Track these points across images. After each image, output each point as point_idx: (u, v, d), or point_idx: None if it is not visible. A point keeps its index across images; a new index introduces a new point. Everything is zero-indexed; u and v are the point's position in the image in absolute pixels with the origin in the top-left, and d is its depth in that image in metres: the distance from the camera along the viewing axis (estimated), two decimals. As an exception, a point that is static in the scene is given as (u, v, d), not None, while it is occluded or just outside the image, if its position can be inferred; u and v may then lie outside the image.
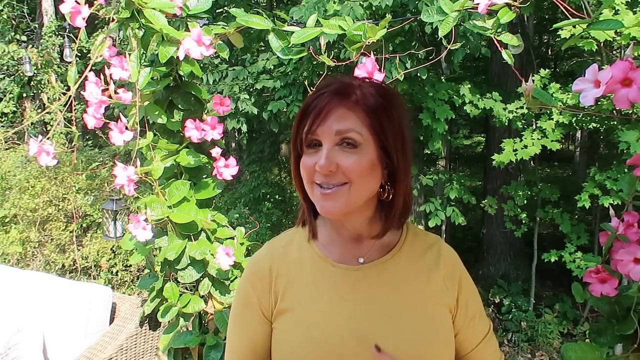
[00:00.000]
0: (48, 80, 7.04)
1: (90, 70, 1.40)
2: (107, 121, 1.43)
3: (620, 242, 0.96)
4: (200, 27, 1.38)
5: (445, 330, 0.87)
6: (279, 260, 0.91)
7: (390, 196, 0.84)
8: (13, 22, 7.83)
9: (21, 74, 7.07)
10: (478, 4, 1.10)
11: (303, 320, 0.86)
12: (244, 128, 5.09)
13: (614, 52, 3.99)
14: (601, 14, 0.93)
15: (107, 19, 1.39)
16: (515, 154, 4.45)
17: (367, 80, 0.86)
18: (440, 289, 0.87)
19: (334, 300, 0.85)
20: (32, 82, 7.22)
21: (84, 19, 1.32)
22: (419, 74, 4.07)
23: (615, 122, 4.01)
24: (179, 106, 1.54)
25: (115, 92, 1.40)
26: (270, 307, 0.88)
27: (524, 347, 4.96)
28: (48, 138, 1.41)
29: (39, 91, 7.18)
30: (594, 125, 4.35)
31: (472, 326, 0.91)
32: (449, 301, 0.88)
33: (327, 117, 0.79)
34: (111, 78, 1.41)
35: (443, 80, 4.90)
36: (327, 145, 0.79)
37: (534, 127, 4.73)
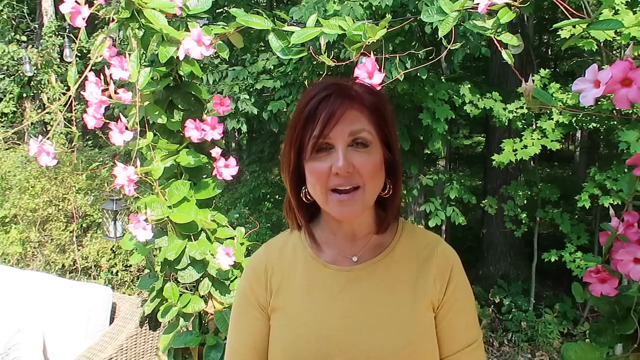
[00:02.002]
0: (48, 80, 7.04)
1: (90, 70, 1.40)
2: (107, 121, 1.43)
3: (620, 242, 0.96)
4: (200, 27, 1.38)
5: (433, 333, 0.86)
6: (275, 260, 0.93)
7: (391, 191, 0.87)
8: (13, 22, 7.83)
9: (21, 74, 7.07)
10: (478, 4, 1.10)
11: (294, 319, 0.87)
12: (244, 128, 5.08)
13: (614, 52, 4.00)
14: (601, 14, 0.93)
15: (107, 19, 1.39)
16: (515, 154, 4.45)
17: (353, 80, 0.90)
18: (429, 289, 0.86)
19: (325, 300, 0.86)
20: (32, 82, 7.22)
21: (84, 19, 1.31)
22: (419, 74, 4.06)
23: (615, 122, 4.01)
24: (179, 106, 1.54)
25: (115, 92, 1.40)
26: (267, 303, 0.90)
27: (524, 347, 4.96)
28: (48, 138, 1.41)
29: (39, 91, 7.17)
30: (594, 125, 4.35)
31: (450, 331, 0.87)
32: (434, 300, 0.87)
33: (340, 120, 0.80)
34: (111, 78, 1.41)
35: (443, 80, 4.90)
36: (342, 147, 0.80)
37: (534, 127, 4.73)
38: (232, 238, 1.61)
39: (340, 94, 0.81)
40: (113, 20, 1.38)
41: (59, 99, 1.69)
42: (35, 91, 7.32)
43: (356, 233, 0.89)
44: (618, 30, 3.30)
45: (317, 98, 0.81)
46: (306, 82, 4.00)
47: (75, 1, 1.30)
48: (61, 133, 5.99)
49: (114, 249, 4.64)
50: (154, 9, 1.33)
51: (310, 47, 1.47)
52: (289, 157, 0.85)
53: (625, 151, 3.52)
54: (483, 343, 0.92)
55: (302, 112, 0.82)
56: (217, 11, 5.00)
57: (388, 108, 0.86)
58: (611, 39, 3.54)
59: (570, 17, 0.95)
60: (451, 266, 0.89)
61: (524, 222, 5.19)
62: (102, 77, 1.40)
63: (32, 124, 6.83)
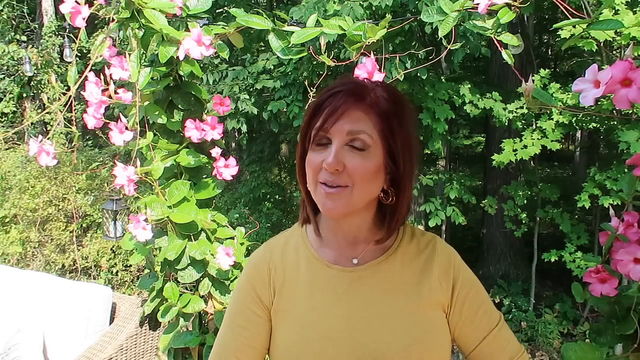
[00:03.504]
0: (48, 80, 7.03)
1: (90, 70, 1.40)
2: (107, 121, 1.43)
3: (620, 242, 0.95)
4: (200, 27, 1.38)
5: (439, 331, 0.86)
6: (277, 259, 0.92)
7: (393, 200, 0.85)
8: (13, 22, 7.83)
9: (21, 74, 7.07)
10: (478, 4, 1.10)
11: (298, 320, 0.86)
12: (244, 128, 5.09)
13: (614, 52, 4.00)
14: (601, 14, 0.93)
15: (107, 19, 1.39)
16: (515, 154, 4.45)
17: (380, 83, 0.86)
18: (434, 289, 0.87)
19: (328, 300, 0.86)
20: (32, 82, 7.21)
21: (84, 19, 1.31)
22: (419, 74, 4.07)
23: (615, 122, 4.01)
24: (179, 106, 1.54)
25: (115, 92, 1.40)
26: (270, 302, 0.89)
27: (524, 347, 4.96)
28: (48, 138, 1.41)
29: (39, 91, 7.17)
30: (594, 125, 4.35)
31: (472, 323, 0.88)
32: (443, 300, 0.87)
33: (341, 116, 0.79)
34: (111, 78, 1.40)
35: (443, 80, 4.90)
36: (337, 144, 0.79)
37: (534, 127, 4.73)
38: (232, 238, 1.61)
39: (350, 92, 0.81)
40: (113, 20, 1.38)
41: (59, 99, 1.69)
42: (35, 91, 7.31)
43: (356, 235, 0.88)
44: (618, 30, 3.31)
45: (329, 92, 0.82)
46: (306, 82, 4.00)
47: (75, 1, 1.30)
48: (61, 133, 5.99)
49: (114, 249, 4.64)
50: (154, 9, 1.33)
51: (310, 47, 1.47)
52: (300, 145, 0.86)
53: (625, 151, 3.53)
54: (505, 321, 0.93)
55: (315, 103, 0.83)
56: (217, 11, 5.00)
57: (405, 119, 0.83)
58: (611, 39, 3.54)
59: (570, 17, 0.95)
60: (453, 263, 0.90)
61: (524, 222, 5.20)
62: (102, 77, 1.40)
63: (32, 124, 6.83)
